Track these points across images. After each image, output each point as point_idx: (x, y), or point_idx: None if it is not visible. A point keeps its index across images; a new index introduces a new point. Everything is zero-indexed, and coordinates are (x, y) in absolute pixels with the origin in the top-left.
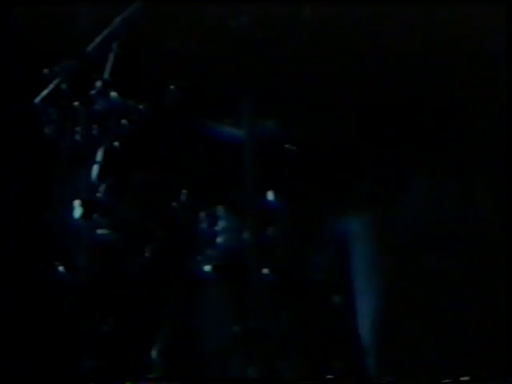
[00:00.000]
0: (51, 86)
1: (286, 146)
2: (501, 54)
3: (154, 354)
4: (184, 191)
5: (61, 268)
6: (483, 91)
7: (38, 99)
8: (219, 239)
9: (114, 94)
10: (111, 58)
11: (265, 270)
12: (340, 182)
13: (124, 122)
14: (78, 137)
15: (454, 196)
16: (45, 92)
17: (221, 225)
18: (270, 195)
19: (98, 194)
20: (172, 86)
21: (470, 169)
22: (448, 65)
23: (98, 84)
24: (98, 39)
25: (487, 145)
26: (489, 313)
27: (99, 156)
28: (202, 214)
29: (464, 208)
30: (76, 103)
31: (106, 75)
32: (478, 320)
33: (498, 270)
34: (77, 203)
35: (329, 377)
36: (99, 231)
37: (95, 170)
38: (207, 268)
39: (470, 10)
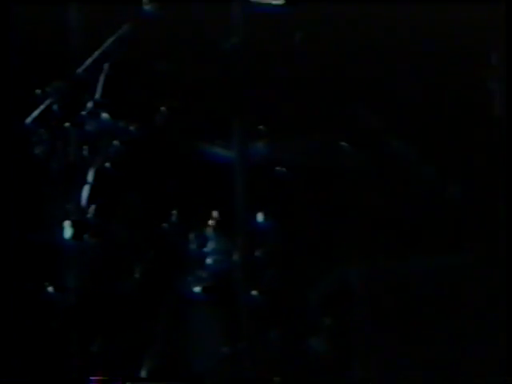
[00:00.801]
0: (42, 107)
1: (277, 168)
2: (500, 54)
3: (143, 374)
4: (174, 212)
5: (50, 288)
6: (483, 92)
7: (29, 120)
8: (208, 260)
9: (105, 114)
10: (102, 79)
11: (254, 292)
12: (330, 204)
13: (115, 142)
14: (68, 157)
15: None
16: (36, 112)
17: (210, 246)
18: (260, 217)
19: (89, 215)
20: (163, 108)
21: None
22: (447, 67)
23: (89, 105)
24: (89, 60)
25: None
26: (488, 311)
27: (90, 177)
28: (192, 235)
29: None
30: (67, 124)
31: (97, 96)
32: (476, 320)
33: (495, 266)
34: (67, 224)
35: None
36: (89, 252)
37: (86, 190)
38: (196, 289)
39: (470, 11)
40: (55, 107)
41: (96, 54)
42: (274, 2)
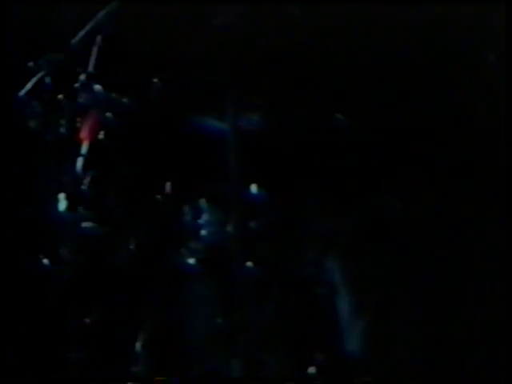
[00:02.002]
0: (35, 79)
1: (270, 139)
2: (500, 54)
3: (138, 346)
4: (168, 184)
5: (45, 261)
6: (482, 92)
7: (22, 92)
8: (203, 232)
9: (97, 87)
10: (95, 51)
11: (248, 263)
12: (324, 176)
13: (108, 115)
14: (62, 130)
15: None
16: (29, 85)
17: (205, 217)
18: (254, 188)
19: (83, 187)
20: (156, 80)
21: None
22: (446, 66)
23: (82, 77)
24: (82, 32)
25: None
26: (487, 314)
27: (84, 149)
28: (186, 207)
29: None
30: (60, 96)
31: (90, 68)
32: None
33: (495, 270)
34: (61, 196)
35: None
36: (84, 224)
37: (80, 162)
38: (191, 261)
39: (470, 11)
40: (48, 80)
41: (89, 26)
42: None
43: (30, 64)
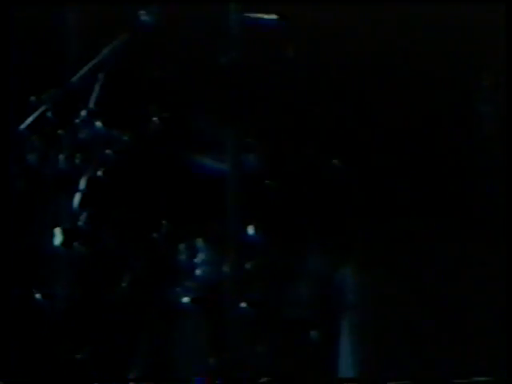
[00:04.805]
0: (36, 114)
1: (266, 181)
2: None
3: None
4: (164, 222)
5: (38, 295)
6: (482, 90)
7: (23, 126)
8: (198, 271)
9: (98, 123)
10: (97, 88)
11: (242, 304)
12: (320, 218)
13: (108, 151)
14: (61, 165)
15: None
16: (30, 119)
17: (200, 257)
18: (251, 229)
19: (80, 223)
20: (155, 118)
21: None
22: (445, 67)
23: (83, 113)
24: (84, 69)
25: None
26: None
27: (82, 184)
28: (182, 246)
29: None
30: (60, 131)
31: (92, 105)
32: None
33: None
34: (57, 231)
35: None
36: (78, 259)
37: (77, 198)
38: (185, 299)
39: (470, 10)
40: (49, 114)
41: (92, 62)
42: (266, 17)
43: (33, 98)
